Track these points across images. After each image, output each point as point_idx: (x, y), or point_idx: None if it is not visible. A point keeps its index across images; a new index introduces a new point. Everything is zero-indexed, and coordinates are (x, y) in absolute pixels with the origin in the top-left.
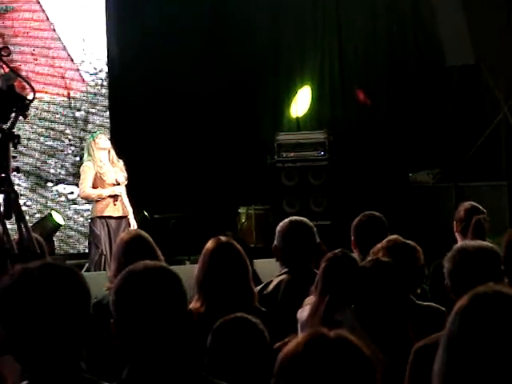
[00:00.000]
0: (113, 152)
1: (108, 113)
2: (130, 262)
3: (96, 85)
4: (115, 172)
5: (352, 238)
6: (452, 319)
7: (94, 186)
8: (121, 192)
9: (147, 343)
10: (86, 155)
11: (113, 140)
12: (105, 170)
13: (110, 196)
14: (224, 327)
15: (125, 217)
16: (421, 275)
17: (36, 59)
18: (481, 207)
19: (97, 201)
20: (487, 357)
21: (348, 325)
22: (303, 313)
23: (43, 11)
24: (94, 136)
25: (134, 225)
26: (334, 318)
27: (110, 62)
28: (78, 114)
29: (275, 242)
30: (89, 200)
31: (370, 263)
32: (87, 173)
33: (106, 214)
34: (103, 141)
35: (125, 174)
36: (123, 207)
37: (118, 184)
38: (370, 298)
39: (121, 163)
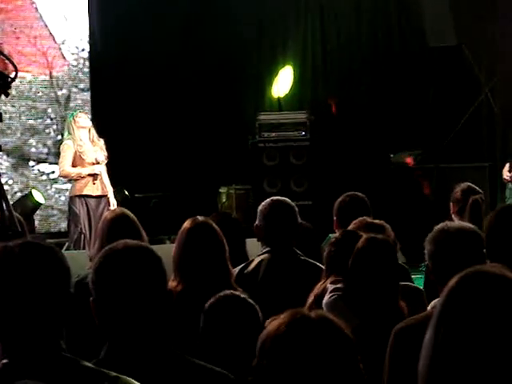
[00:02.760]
0: (93, 131)
1: (90, 92)
2: (114, 241)
3: (78, 64)
4: (95, 151)
5: (334, 218)
6: (442, 300)
7: (74, 165)
8: (100, 171)
9: (126, 322)
10: (66, 134)
11: (94, 119)
12: (85, 148)
13: (90, 175)
14: (216, 306)
15: (104, 196)
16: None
17: (18, 38)
18: (477, 188)
19: (76, 179)
20: (477, 337)
21: None
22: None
23: None
24: (74, 114)
25: (113, 204)
26: None
27: (92, 41)
28: (60, 92)
29: (257, 222)
30: (68, 178)
31: (364, 242)
32: (67, 151)
33: (85, 192)
34: (83, 119)
35: (105, 153)
36: (102, 186)
37: (98, 163)
38: (366, 276)
39: (101, 142)
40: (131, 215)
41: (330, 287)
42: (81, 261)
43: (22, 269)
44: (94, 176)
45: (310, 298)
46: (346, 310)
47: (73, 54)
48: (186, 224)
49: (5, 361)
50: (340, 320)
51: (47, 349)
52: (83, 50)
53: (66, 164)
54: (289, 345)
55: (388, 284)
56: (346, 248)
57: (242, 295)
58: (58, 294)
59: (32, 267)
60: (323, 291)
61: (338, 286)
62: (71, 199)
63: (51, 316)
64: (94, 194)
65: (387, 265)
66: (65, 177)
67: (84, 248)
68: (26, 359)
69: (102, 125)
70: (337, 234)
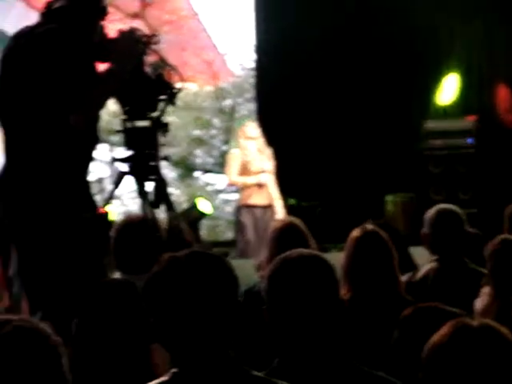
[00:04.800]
0: (261, 140)
1: (255, 102)
2: (283, 250)
3: (243, 74)
4: (261, 160)
5: (506, 225)
6: None
7: (241, 174)
8: (266, 180)
9: (299, 331)
10: (233, 142)
11: (261, 129)
12: (251, 158)
13: (256, 184)
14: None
15: (270, 205)
16: None
17: (183, 49)
18: None
19: (242, 189)
20: None
21: None
22: (478, 303)
23: (188, 2)
24: (243, 123)
25: (280, 213)
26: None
27: (257, 51)
28: (225, 103)
29: (424, 230)
30: (236, 186)
31: None
32: (233, 160)
33: (251, 202)
34: (251, 129)
35: (272, 163)
36: (269, 195)
37: (264, 172)
38: None
39: (268, 151)
40: (300, 224)
41: None
42: (247, 270)
43: (191, 278)
44: (260, 186)
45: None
46: None
47: (238, 64)
48: (355, 233)
49: (174, 370)
50: (505, 328)
51: (216, 358)
52: (248, 60)
53: (232, 173)
54: (453, 355)
55: None
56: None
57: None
58: (226, 302)
59: (200, 276)
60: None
61: None
62: (238, 209)
63: (219, 325)
64: (260, 204)
65: None
66: (231, 185)
67: (250, 257)
68: (196, 368)
69: (268, 134)
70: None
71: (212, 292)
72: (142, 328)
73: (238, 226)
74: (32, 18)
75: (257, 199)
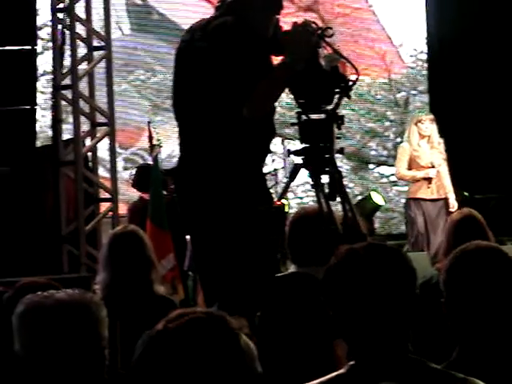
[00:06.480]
0: (433, 135)
1: (428, 94)
2: (461, 242)
3: (416, 66)
4: (431, 154)
5: None
6: None
7: (410, 168)
8: (434, 175)
9: (479, 324)
10: (405, 135)
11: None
12: (420, 152)
13: (424, 178)
14: None
15: (441, 199)
16: None
17: (356, 41)
18: None
19: (411, 182)
20: None
21: None
22: None
23: None
24: (417, 117)
25: (454, 205)
26: None
27: (430, 43)
28: (398, 95)
29: None
30: (404, 181)
31: None
32: (402, 154)
33: (419, 196)
34: (425, 126)
35: (443, 156)
36: (439, 189)
37: (433, 167)
38: None
39: (441, 146)
40: (478, 216)
41: None
42: (422, 262)
43: (370, 271)
44: (429, 180)
45: None
46: None
47: (411, 56)
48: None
49: (351, 362)
50: None
51: (395, 350)
52: (421, 52)
53: (401, 166)
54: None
55: None
56: None
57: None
58: (406, 295)
59: (379, 269)
60: None
61: None
62: (407, 202)
63: (399, 318)
64: (429, 198)
65: None
66: (400, 179)
67: (422, 250)
68: (373, 361)
69: (441, 126)
70: None
71: (391, 284)
72: (324, 320)
73: (408, 219)
74: (200, 10)
75: (425, 193)
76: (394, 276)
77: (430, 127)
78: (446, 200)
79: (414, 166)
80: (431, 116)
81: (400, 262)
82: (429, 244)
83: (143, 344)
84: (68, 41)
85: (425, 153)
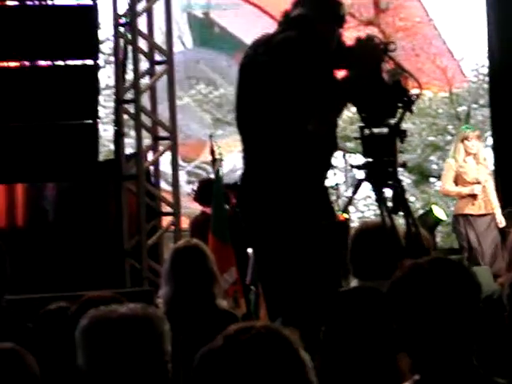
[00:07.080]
0: (480, 150)
1: (489, 108)
2: None
3: (478, 80)
4: (477, 169)
5: None
6: None
7: (456, 184)
8: (479, 191)
9: None
10: (451, 151)
11: (494, 135)
12: (466, 168)
13: (469, 195)
14: None
15: (489, 214)
16: None
17: (417, 55)
18: None
19: (458, 198)
20: None
21: None
22: None
23: (423, 8)
24: (464, 134)
25: (501, 221)
26: None
27: (491, 57)
28: (459, 109)
29: None
30: (449, 196)
31: None
32: (448, 170)
33: (467, 211)
34: (471, 144)
35: (489, 171)
36: (487, 204)
37: (479, 183)
38: None
39: (486, 161)
40: None
41: None
42: (484, 276)
43: (434, 285)
44: (474, 196)
45: None
46: None
47: (472, 70)
48: None
49: (416, 377)
50: None
51: (459, 365)
52: (482, 65)
53: (446, 182)
54: None
55: None
56: None
57: None
58: (470, 309)
59: (444, 283)
60: None
61: None
62: (455, 218)
63: (464, 332)
64: (476, 213)
65: None
66: (445, 195)
67: (479, 264)
68: (438, 375)
69: (501, 141)
70: None
71: (456, 299)
72: (388, 335)
73: (459, 235)
74: (260, 24)
75: (473, 209)
76: (459, 290)
77: (476, 145)
78: (493, 215)
79: (460, 182)
80: (478, 133)
81: (465, 276)
82: (483, 258)
83: (201, 359)
84: (130, 55)
85: (471, 169)
